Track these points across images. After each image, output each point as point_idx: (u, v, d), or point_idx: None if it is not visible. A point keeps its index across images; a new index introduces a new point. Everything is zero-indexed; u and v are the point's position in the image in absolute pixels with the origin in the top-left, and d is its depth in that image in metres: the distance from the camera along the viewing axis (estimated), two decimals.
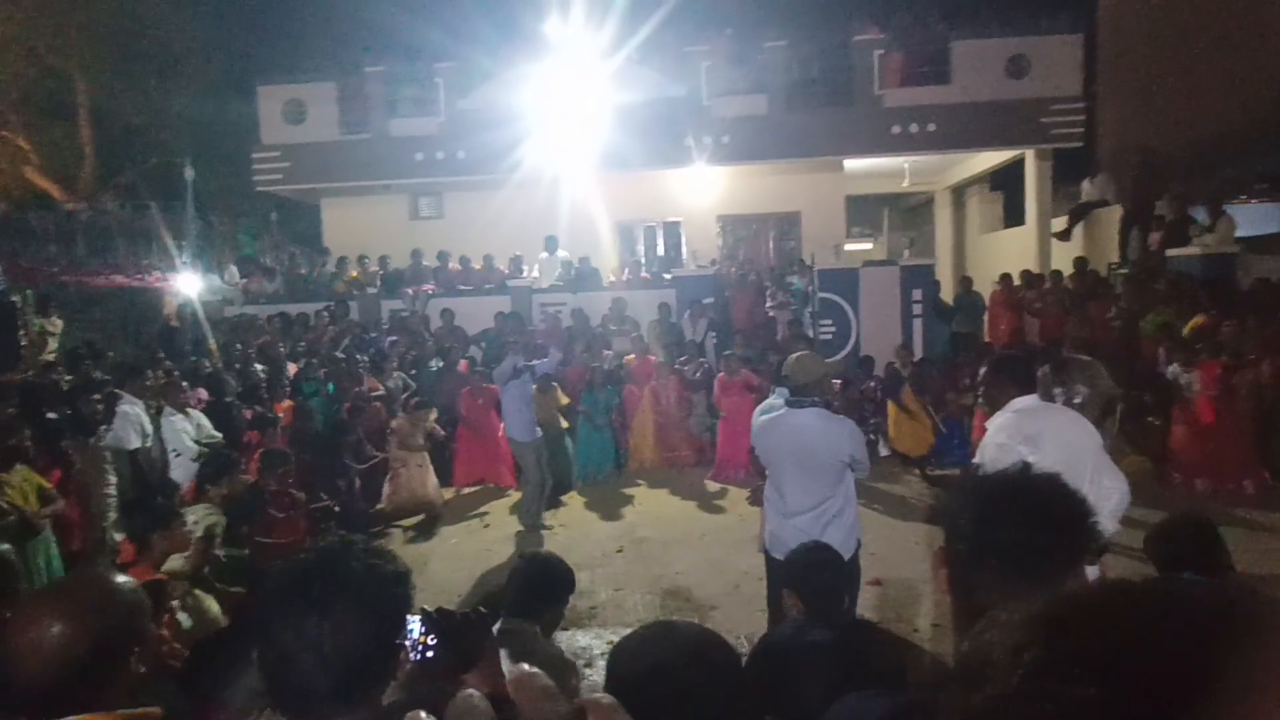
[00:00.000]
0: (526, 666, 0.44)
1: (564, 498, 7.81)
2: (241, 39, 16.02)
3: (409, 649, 1.14)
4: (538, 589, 2.52)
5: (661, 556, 6.12)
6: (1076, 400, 5.88)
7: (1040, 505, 1.18)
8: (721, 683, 1.09)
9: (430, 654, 1.17)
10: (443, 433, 7.81)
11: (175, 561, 3.30)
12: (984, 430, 6.31)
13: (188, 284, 11.49)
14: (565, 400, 8.25)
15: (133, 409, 6.20)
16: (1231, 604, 0.43)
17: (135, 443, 6.13)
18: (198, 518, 3.76)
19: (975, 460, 3.01)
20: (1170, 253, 10.27)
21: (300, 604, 1.03)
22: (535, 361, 7.10)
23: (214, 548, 3.83)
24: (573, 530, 6.94)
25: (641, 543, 6.48)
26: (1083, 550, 1.19)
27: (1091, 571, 2.79)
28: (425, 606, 1.23)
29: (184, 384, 6.89)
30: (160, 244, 12.55)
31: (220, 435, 6.54)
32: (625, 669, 1.08)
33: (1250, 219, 10.58)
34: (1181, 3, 13.62)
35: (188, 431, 6.26)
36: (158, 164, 15.60)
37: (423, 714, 0.45)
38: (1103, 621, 0.43)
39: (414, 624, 1.17)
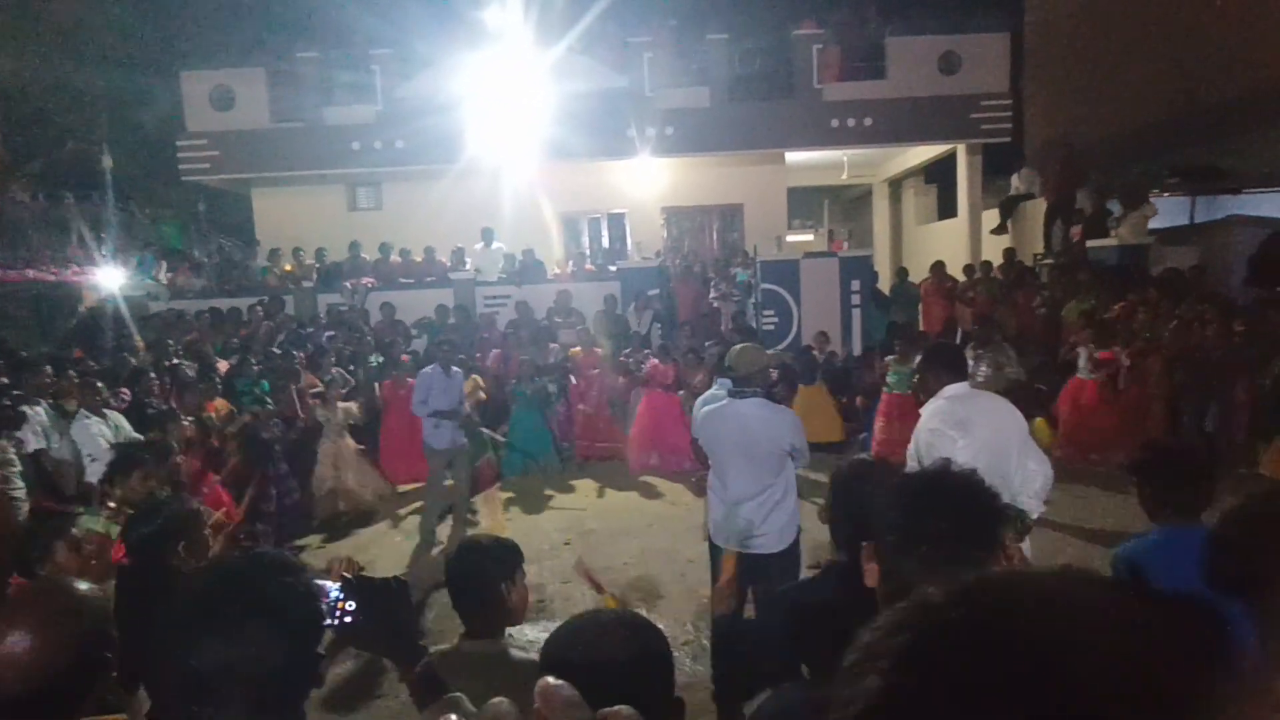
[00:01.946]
0: (552, 679, 0.45)
1: (501, 494, 7.69)
2: (164, 19, 15.27)
3: (327, 615, 1.15)
4: (474, 597, 2.17)
5: (609, 547, 6.16)
6: (980, 380, 6.18)
7: (961, 497, 1.28)
8: (650, 668, 1.12)
9: (349, 619, 1.17)
10: (357, 412, 7.56)
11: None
12: (888, 415, 6.58)
13: (108, 278, 10.93)
14: (484, 396, 8.07)
15: (29, 409, 5.86)
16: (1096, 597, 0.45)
17: (33, 444, 5.80)
18: (83, 527, 3.51)
19: (909, 447, 3.12)
20: (1090, 244, 10.80)
21: (208, 624, 1.02)
22: (442, 409, 6.49)
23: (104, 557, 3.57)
24: (519, 523, 6.90)
25: (589, 534, 6.50)
26: (998, 535, 1.29)
27: (1023, 547, 2.95)
28: (346, 573, 1.23)
29: (99, 384, 6.55)
30: (77, 235, 11.90)
31: (140, 437, 6.22)
32: (556, 661, 1.10)
33: (1161, 212, 11.19)
34: (1103, 5, 14.27)
35: (104, 435, 5.94)
36: (73, 150, 14.76)
37: (453, 717, 0.47)
38: (975, 610, 0.44)
39: (333, 590, 1.17)
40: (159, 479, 4.29)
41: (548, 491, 7.72)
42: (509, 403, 8.47)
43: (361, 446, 7.49)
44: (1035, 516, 2.93)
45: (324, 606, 1.15)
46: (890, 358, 7.88)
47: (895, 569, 1.25)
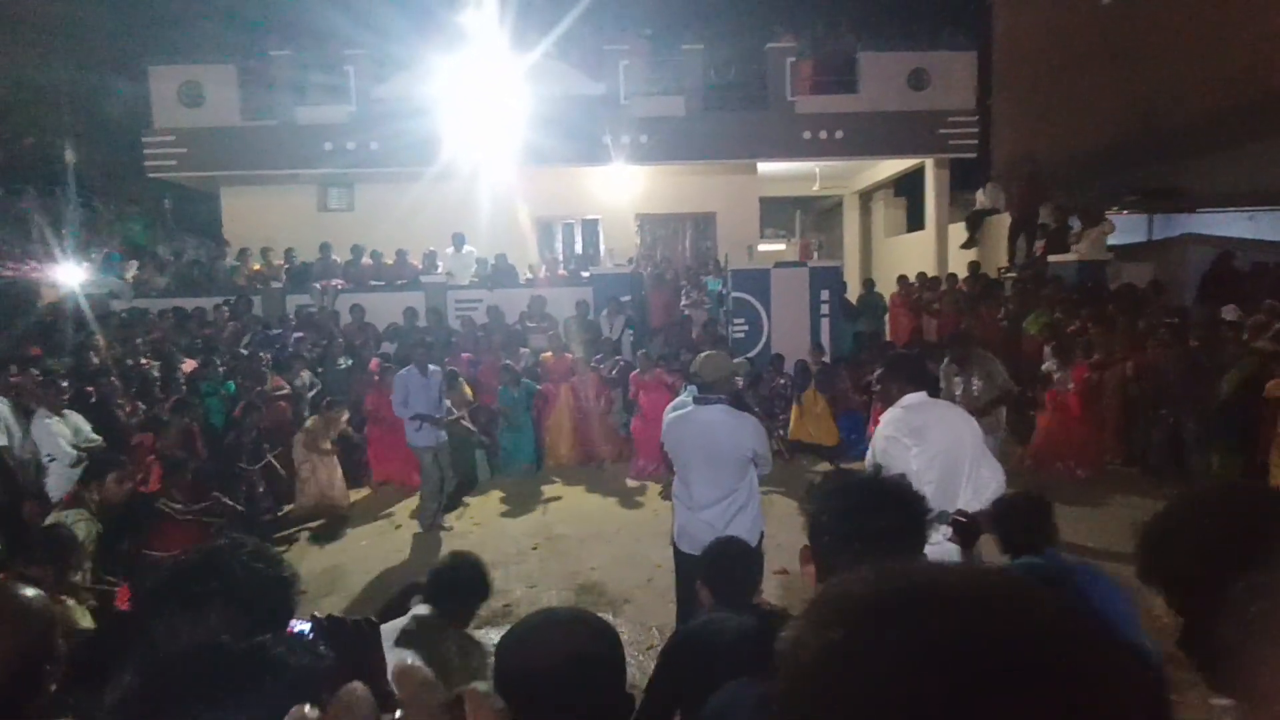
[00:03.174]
0: (409, 659, 0.46)
1: (472, 498, 7.70)
2: (131, 12, 14.99)
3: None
4: (452, 588, 2.63)
5: (576, 552, 6.17)
6: (974, 393, 6.31)
7: (891, 498, 1.35)
8: (599, 664, 1.16)
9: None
10: (356, 435, 7.63)
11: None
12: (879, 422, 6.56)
13: (69, 275, 10.69)
14: (470, 398, 8.16)
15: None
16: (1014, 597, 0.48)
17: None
18: (69, 521, 3.50)
19: (867, 454, 3.20)
20: (1051, 258, 11.09)
21: (178, 605, 1.02)
22: (422, 412, 6.63)
23: (83, 555, 3.56)
24: (488, 528, 6.89)
25: (557, 539, 6.50)
26: (924, 533, 1.37)
27: (971, 553, 3.03)
28: (316, 613, 1.24)
29: (62, 383, 6.41)
30: (38, 231, 11.62)
31: (100, 439, 6.11)
32: (510, 660, 1.13)
33: (1120, 229, 11.55)
34: (1068, 27, 14.69)
35: (64, 435, 5.83)
36: (34, 144, 14.42)
37: (307, 708, 0.46)
38: (904, 605, 0.47)
39: (304, 629, 1.18)
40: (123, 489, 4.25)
41: (518, 495, 7.72)
42: (493, 407, 8.51)
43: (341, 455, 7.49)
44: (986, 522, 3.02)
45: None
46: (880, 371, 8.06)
47: (831, 568, 1.31)
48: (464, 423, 7.75)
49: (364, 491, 7.88)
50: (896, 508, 1.37)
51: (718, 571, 2.59)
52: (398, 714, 0.44)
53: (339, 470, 7.18)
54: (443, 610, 2.51)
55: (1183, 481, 7.20)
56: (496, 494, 7.85)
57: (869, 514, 1.34)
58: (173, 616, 1.02)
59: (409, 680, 0.45)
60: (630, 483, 8.06)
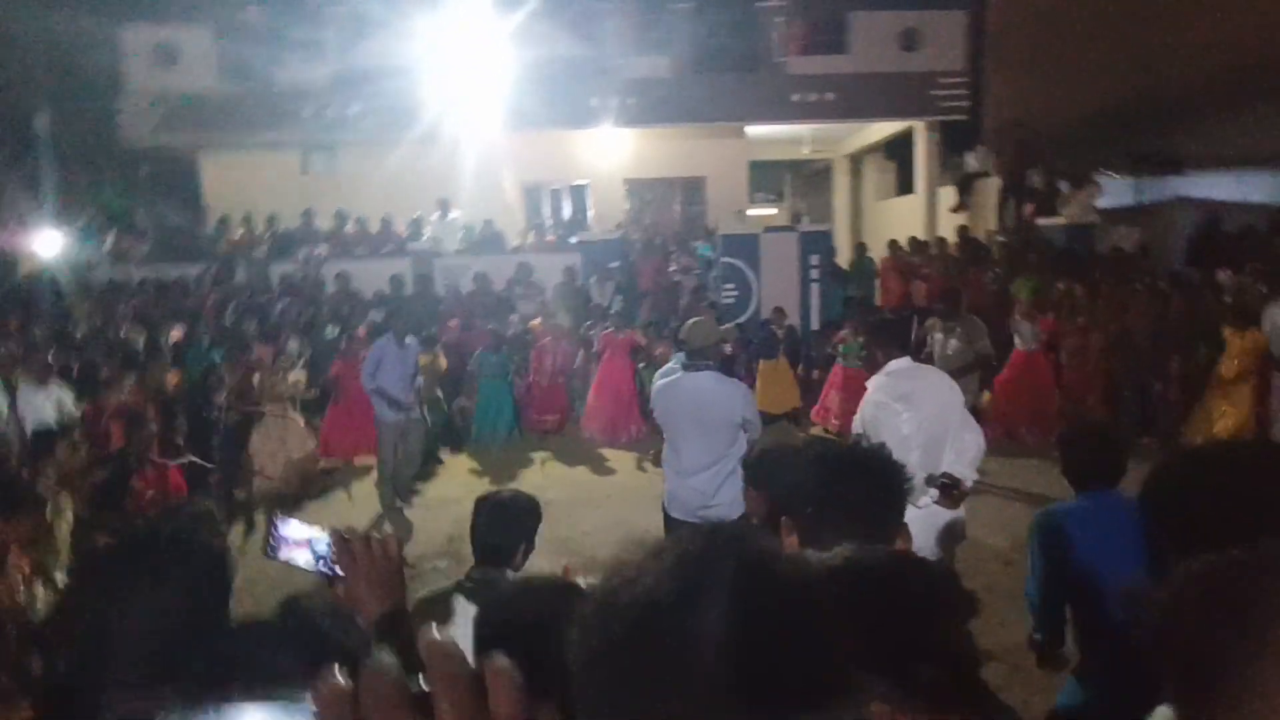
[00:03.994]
0: (434, 631, 0.46)
1: (459, 469, 7.68)
2: None
3: (323, 568, 1.12)
4: (493, 532, 2.47)
5: (567, 518, 6.21)
6: (949, 353, 6.37)
7: (872, 469, 1.36)
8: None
9: (339, 571, 1.14)
10: (304, 383, 7.39)
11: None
12: (838, 386, 6.69)
13: (46, 244, 10.48)
14: (444, 367, 8.03)
15: None
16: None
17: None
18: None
19: (855, 418, 3.22)
20: (1040, 222, 11.07)
21: (117, 583, 1.01)
22: (387, 391, 6.28)
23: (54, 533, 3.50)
24: (474, 496, 6.90)
25: (548, 505, 6.41)
26: (904, 502, 1.38)
27: (954, 514, 3.07)
28: (335, 526, 1.21)
29: (45, 355, 6.34)
30: (11, 200, 11.35)
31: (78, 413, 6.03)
32: (488, 628, 1.13)
33: (1109, 192, 11.53)
34: None
35: (48, 406, 5.77)
36: (2, 109, 13.99)
37: (336, 669, 0.46)
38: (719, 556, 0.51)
39: (322, 542, 1.14)
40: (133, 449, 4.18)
41: (508, 463, 7.74)
42: (473, 373, 8.43)
43: (314, 422, 7.37)
44: (969, 484, 3.06)
45: (316, 557, 1.12)
46: (844, 331, 8.06)
47: (813, 540, 1.31)
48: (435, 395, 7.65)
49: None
50: (877, 477, 1.38)
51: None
52: (422, 680, 0.44)
53: (310, 438, 7.08)
54: (492, 560, 2.38)
55: (1157, 441, 7.31)
56: (480, 461, 7.86)
57: (850, 484, 1.35)
58: (112, 598, 1.01)
59: (433, 650, 0.45)
60: (618, 450, 8.09)
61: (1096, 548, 2.13)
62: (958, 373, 5.88)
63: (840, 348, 7.87)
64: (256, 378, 6.95)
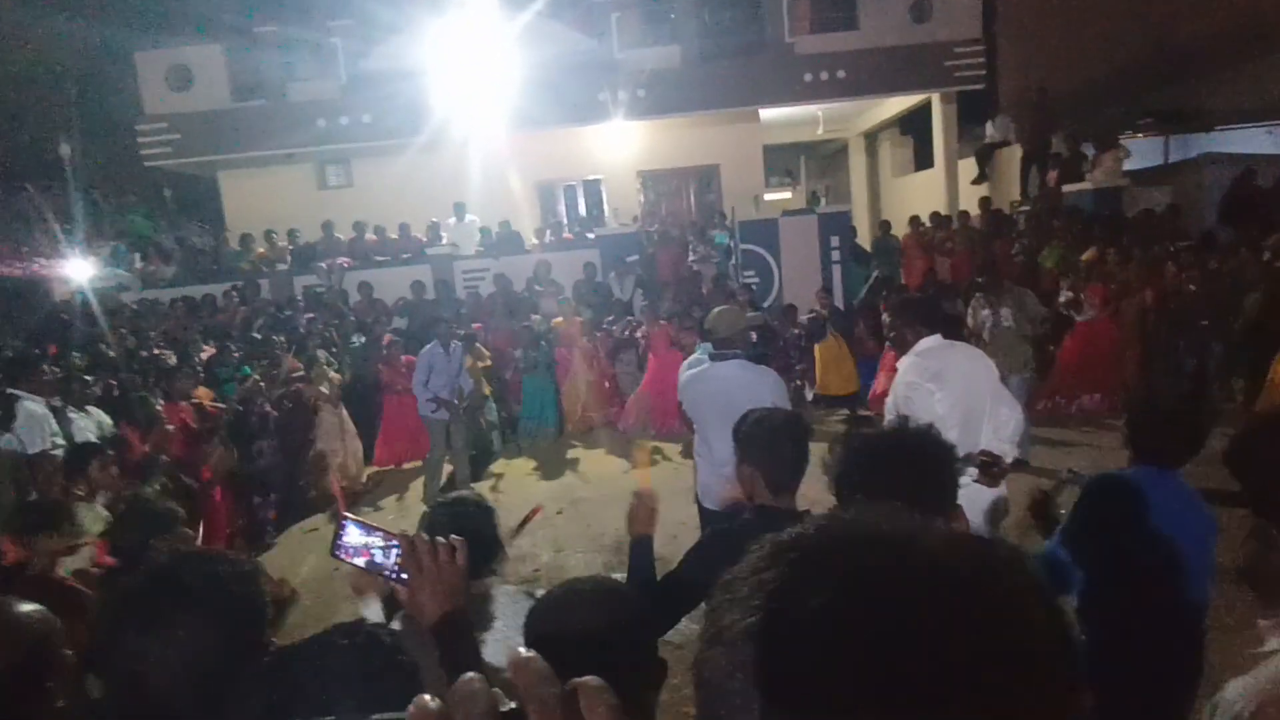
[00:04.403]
0: (524, 650, 0.46)
1: (494, 468, 7.75)
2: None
3: (389, 571, 1.11)
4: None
5: (600, 515, 6.22)
6: (1005, 324, 6.27)
7: (920, 450, 1.31)
8: (628, 633, 1.14)
9: (404, 576, 1.13)
10: (337, 381, 7.56)
11: (79, 561, 3.10)
12: (891, 369, 6.60)
13: (77, 270, 10.71)
14: (488, 362, 8.16)
15: (38, 408, 5.77)
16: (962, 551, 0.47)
17: (40, 445, 5.72)
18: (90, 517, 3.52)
19: (888, 400, 3.17)
20: (1066, 188, 10.82)
21: (136, 625, 1.00)
22: (441, 395, 6.68)
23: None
24: (511, 495, 6.96)
25: (580, 503, 6.56)
26: (955, 482, 1.34)
27: (995, 492, 3.01)
28: (405, 530, 1.20)
29: (86, 379, 6.48)
30: (41, 228, 11.61)
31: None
32: (538, 633, 1.12)
33: (1135, 153, 11.22)
34: None
35: (90, 431, 5.90)
36: (30, 140, 14.31)
37: (428, 697, 0.46)
38: (838, 547, 0.47)
39: (391, 546, 1.13)
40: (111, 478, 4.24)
41: (539, 462, 7.77)
42: (508, 373, 8.51)
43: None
44: (1009, 461, 3.00)
45: (382, 560, 1.11)
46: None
47: None
48: (481, 414, 7.76)
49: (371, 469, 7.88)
50: (926, 459, 1.33)
51: (767, 448, 2.18)
52: (514, 705, 0.45)
53: (359, 445, 7.25)
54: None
55: (1207, 408, 7.12)
56: (517, 461, 7.91)
57: (899, 468, 1.30)
58: (136, 638, 1.00)
59: (526, 671, 0.45)
60: (651, 443, 8.08)
61: (1151, 523, 2.08)
62: (1024, 343, 5.92)
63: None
64: (300, 387, 7.13)
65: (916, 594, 0.43)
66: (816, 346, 8.51)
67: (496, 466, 7.79)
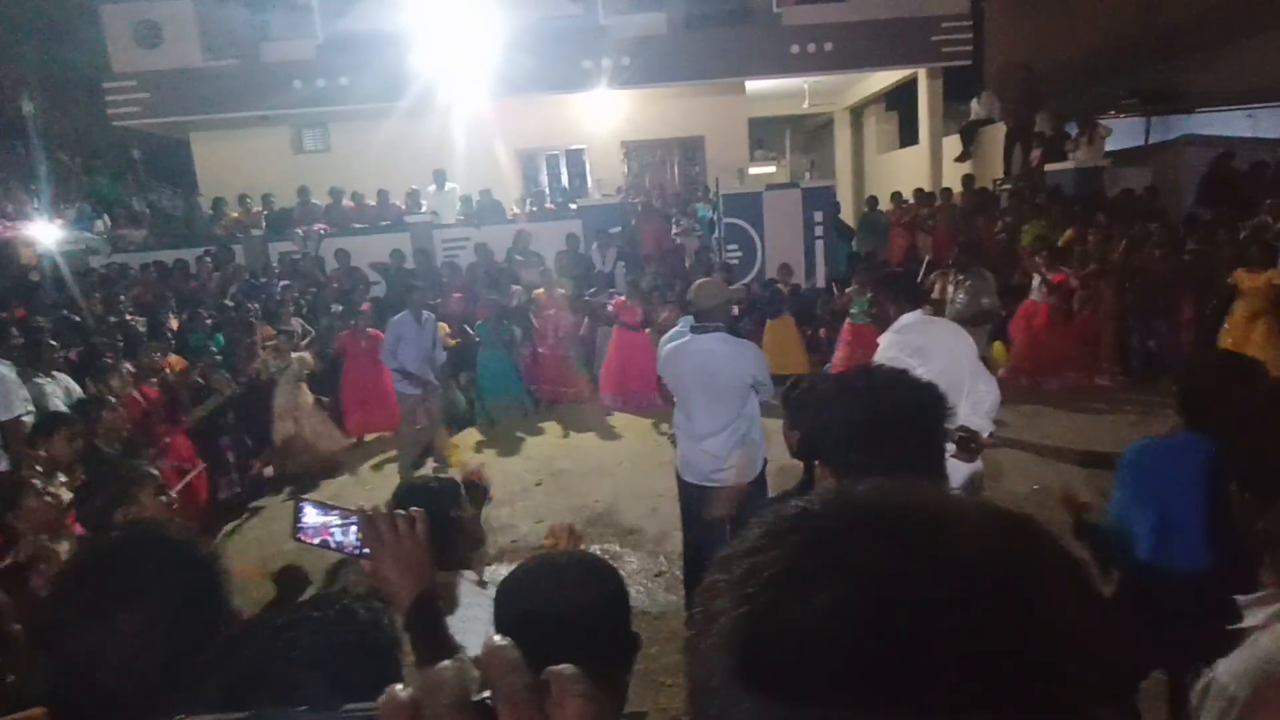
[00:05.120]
0: (498, 638, 0.45)
1: (472, 440, 7.68)
2: None
3: (350, 549, 1.10)
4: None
5: (580, 486, 6.23)
6: (958, 305, 6.31)
7: (911, 393, 1.29)
8: (603, 607, 1.13)
9: (367, 551, 1.12)
10: (312, 362, 7.41)
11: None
12: (848, 342, 6.64)
13: (43, 233, 10.41)
14: (452, 341, 8.03)
15: (9, 373, 5.61)
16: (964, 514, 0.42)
17: (18, 409, 5.57)
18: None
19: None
20: (1048, 167, 10.86)
21: (75, 613, 0.95)
22: (409, 369, 6.43)
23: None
24: (490, 467, 6.87)
25: (560, 474, 6.56)
26: (945, 423, 1.29)
27: (972, 467, 3.04)
28: (363, 506, 1.19)
29: (52, 343, 6.31)
30: (3, 189, 11.24)
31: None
32: (509, 607, 1.10)
33: (1117, 133, 11.27)
34: None
35: (58, 396, 5.77)
36: None
37: (399, 687, 0.45)
38: (852, 530, 0.41)
39: (350, 523, 1.11)
40: (96, 434, 4.16)
41: (517, 434, 7.74)
42: (474, 346, 8.39)
43: (324, 399, 7.36)
44: (986, 435, 3.02)
45: (343, 538, 1.10)
46: (851, 288, 7.97)
47: (853, 472, 1.24)
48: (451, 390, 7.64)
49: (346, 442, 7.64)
50: (914, 395, 1.26)
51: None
52: (486, 694, 0.44)
53: (325, 417, 7.11)
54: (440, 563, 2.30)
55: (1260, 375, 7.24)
56: (494, 433, 7.87)
57: (889, 413, 1.22)
58: (78, 631, 0.95)
59: (496, 660, 0.44)
60: (626, 415, 8.08)
61: (1173, 485, 2.17)
62: (964, 325, 5.88)
63: (851, 305, 7.79)
64: (260, 353, 6.97)
65: (947, 595, 0.37)
66: (768, 322, 8.46)
67: (474, 438, 7.74)
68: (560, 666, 0.44)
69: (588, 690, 0.43)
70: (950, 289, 6.44)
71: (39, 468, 3.59)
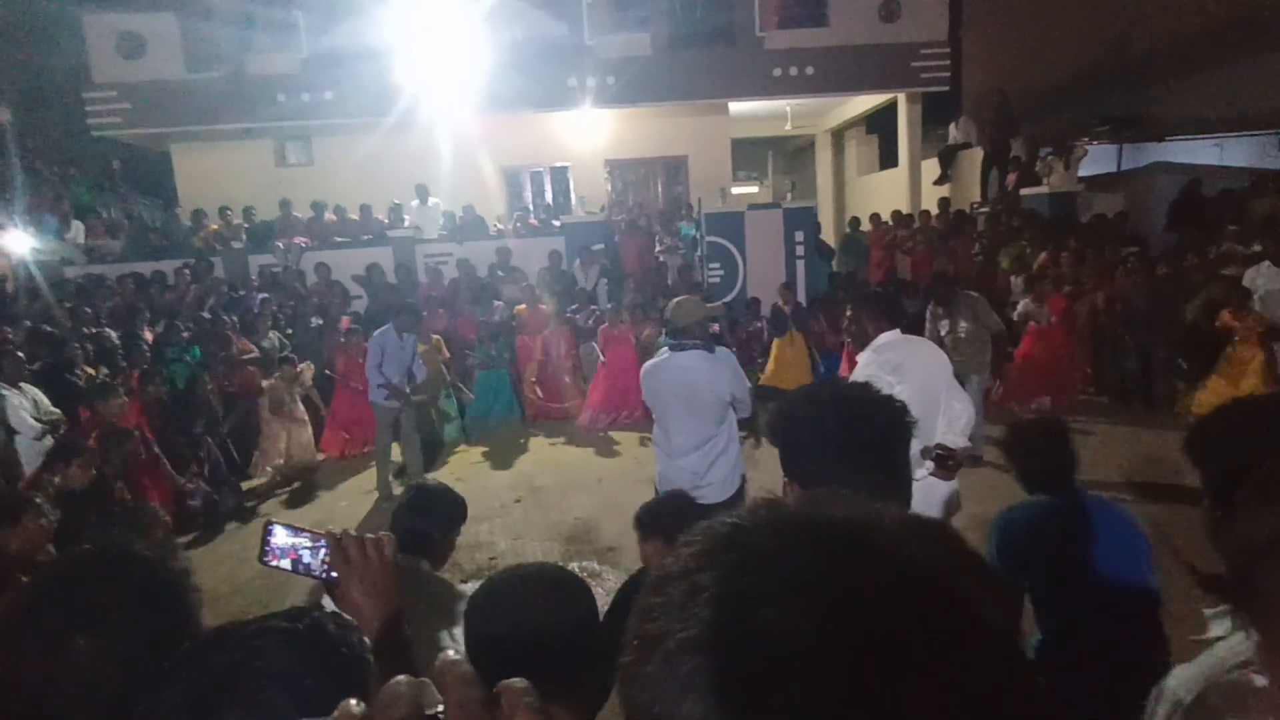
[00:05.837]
0: (450, 653, 0.45)
1: (453, 456, 7.65)
2: None
3: (319, 571, 1.09)
4: (420, 520, 2.38)
5: (559, 503, 6.19)
6: (961, 335, 6.33)
7: (869, 401, 1.30)
8: (573, 619, 1.12)
9: (334, 575, 1.11)
10: (310, 381, 7.42)
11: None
12: (854, 362, 6.61)
13: (17, 242, 10.24)
14: (446, 354, 8.06)
15: None
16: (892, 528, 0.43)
17: None
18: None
19: None
20: (1024, 192, 11.08)
21: (39, 639, 0.92)
22: (389, 383, 6.50)
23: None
24: (470, 483, 6.88)
25: (539, 491, 6.52)
26: (910, 433, 1.30)
27: (950, 486, 3.06)
28: (331, 528, 1.17)
29: (19, 355, 6.20)
30: None
31: (59, 412, 5.95)
32: (479, 621, 1.10)
33: (1090, 160, 11.54)
34: None
35: (25, 408, 5.67)
36: None
37: (353, 703, 0.45)
38: (783, 546, 0.42)
39: (319, 546, 1.10)
40: (110, 466, 4.12)
41: (499, 449, 7.70)
42: (472, 367, 8.41)
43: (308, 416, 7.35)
44: (961, 453, 3.05)
45: (310, 561, 1.09)
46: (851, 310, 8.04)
47: (820, 484, 1.24)
48: (434, 401, 7.63)
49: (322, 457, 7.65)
50: (878, 409, 1.27)
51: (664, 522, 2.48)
52: (440, 709, 0.44)
53: (308, 430, 7.09)
54: (413, 549, 2.26)
55: (1150, 408, 7.38)
56: (476, 449, 7.82)
57: (852, 422, 1.24)
58: (32, 658, 0.90)
59: (451, 674, 0.45)
60: (610, 434, 8.07)
61: (1058, 549, 2.21)
62: (981, 349, 6.04)
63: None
64: (266, 385, 6.96)
65: (880, 604, 0.38)
66: (776, 340, 8.59)
67: (456, 455, 7.69)
68: (511, 680, 0.44)
69: (537, 703, 0.43)
70: (943, 323, 6.41)
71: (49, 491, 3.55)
